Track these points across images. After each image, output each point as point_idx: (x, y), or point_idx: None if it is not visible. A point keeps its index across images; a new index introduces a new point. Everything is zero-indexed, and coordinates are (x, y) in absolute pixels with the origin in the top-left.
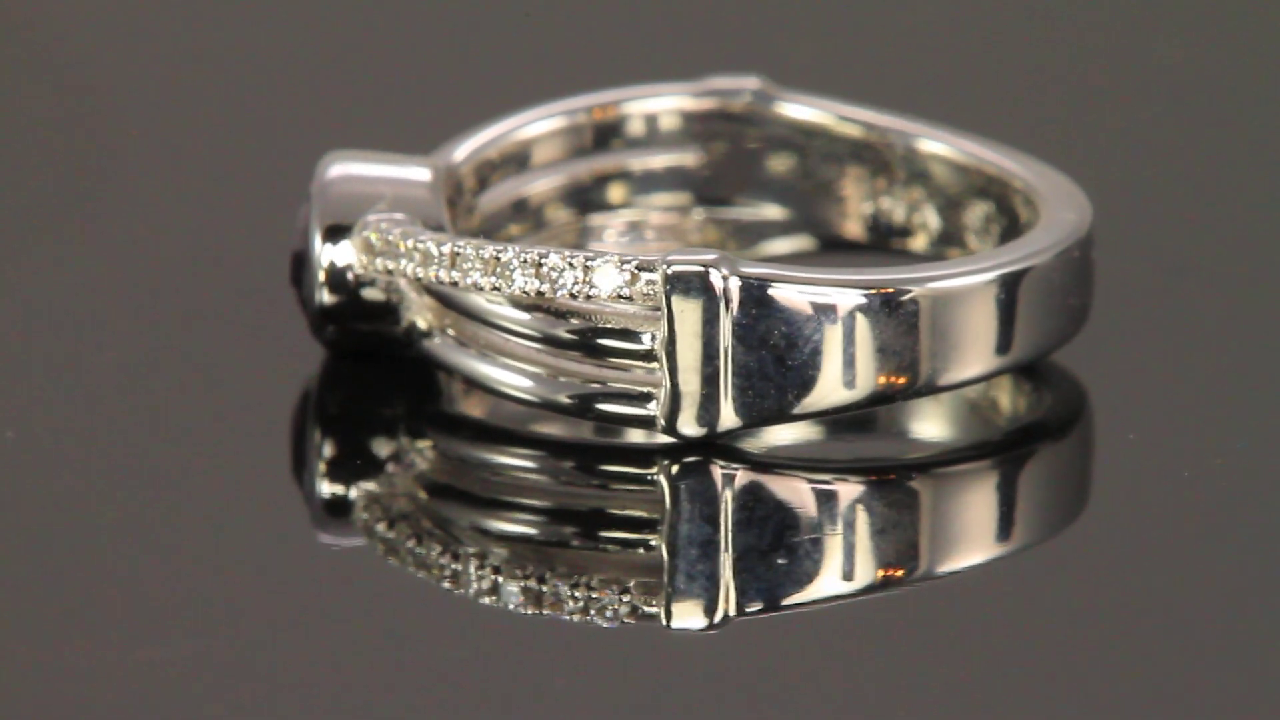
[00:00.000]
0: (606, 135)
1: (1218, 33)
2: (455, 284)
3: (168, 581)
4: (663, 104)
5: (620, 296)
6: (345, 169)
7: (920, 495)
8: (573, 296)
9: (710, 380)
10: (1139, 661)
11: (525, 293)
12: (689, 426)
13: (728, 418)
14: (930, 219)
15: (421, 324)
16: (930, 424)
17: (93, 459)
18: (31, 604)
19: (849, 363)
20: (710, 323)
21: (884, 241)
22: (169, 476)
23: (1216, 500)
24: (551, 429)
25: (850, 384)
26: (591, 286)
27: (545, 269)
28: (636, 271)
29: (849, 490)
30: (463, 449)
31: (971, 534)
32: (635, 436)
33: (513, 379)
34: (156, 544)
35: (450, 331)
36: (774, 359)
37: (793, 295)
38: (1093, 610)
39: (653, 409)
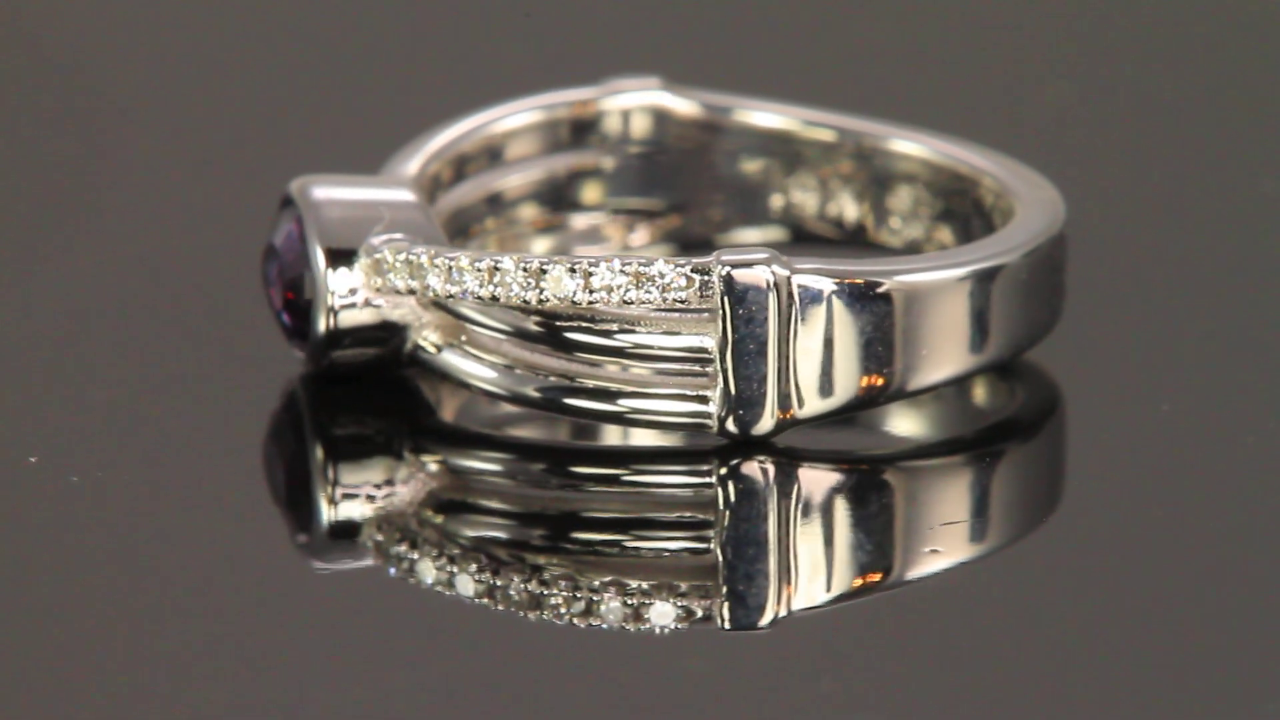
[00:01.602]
0: (559, 136)
1: (1194, 31)
2: (495, 299)
3: (179, 621)
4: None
5: (676, 300)
6: (328, 193)
7: (900, 489)
8: (626, 304)
9: (766, 379)
10: (1116, 659)
11: (575, 303)
12: (746, 426)
13: (785, 415)
14: (847, 208)
15: (423, 341)
16: (908, 421)
17: (80, 498)
18: (25, 638)
19: (898, 351)
20: (767, 321)
21: (845, 236)
22: (167, 508)
23: (1192, 498)
24: (563, 435)
25: (930, 367)
26: (648, 293)
27: (595, 278)
28: (691, 274)
29: (887, 481)
30: (470, 461)
31: (952, 530)
32: (602, 437)
33: (537, 390)
34: (158, 578)
35: (467, 346)
36: (829, 353)
37: (848, 288)
38: (1068, 608)
39: (712, 411)
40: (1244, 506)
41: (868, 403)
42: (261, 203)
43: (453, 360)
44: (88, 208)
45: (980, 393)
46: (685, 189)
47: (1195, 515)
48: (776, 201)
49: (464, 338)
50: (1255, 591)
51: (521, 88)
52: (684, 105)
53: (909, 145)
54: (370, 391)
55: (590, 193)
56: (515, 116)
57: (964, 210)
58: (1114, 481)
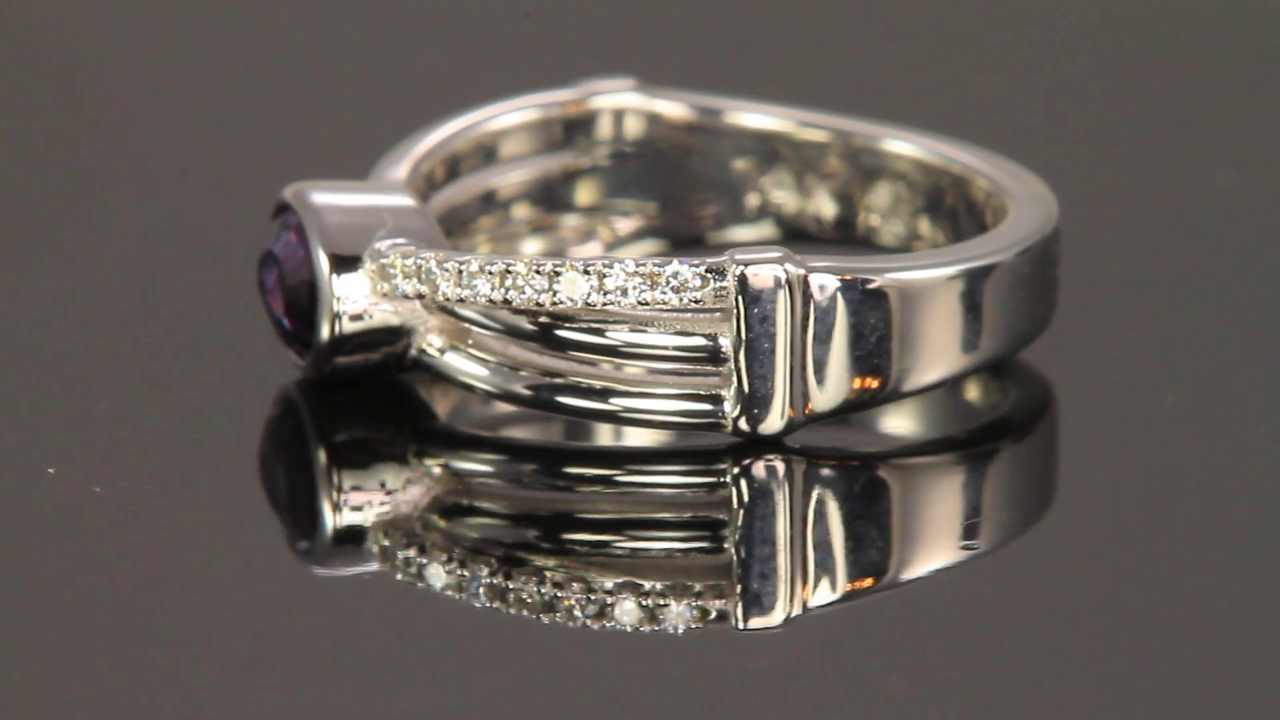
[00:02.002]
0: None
1: (1185, 33)
2: (508, 302)
3: (188, 632)
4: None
5: (691, 301)
6: (327, 199)
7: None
8: (641, 305)
9: (780, 378)
10: (1111, 658)
11: (589, 304)
12: (760, 425)
13: (798, 413)
14: (824, 206)
15: (426, 345)
16: (903, 420)
17: (76, 509)
18: (32, 657)
19: (907, 348)
20: (781, 319)
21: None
22: (169, 520)
23: (1185, 495)
24: (570, 436)
25: (934, 364)
26: (664, 295)
27: (609, 279)
28: (706, 275)
29: (896, 476)
30: (475, 464)
31: (937, 531)
32: (611, 437)
33: (543, 391)
34: (167, 591)
35: (473, 349)
36: (844, 350)
37: (862, 285)
38: (1061, 608)
39: (726, 410)
40: (1238, 504)
41: (880, 399)
42: (241, 207)
43: (457, 363)
44: (69, 219)
45: (973, 391)
46: (672, 189)
47: (1189, 513)
48: (768, 201)
49: (470, 341)
50: (1247, 588)
51: (502, 89)
52: (674, 107)
53: (901, 145)
54: (368, 396)
55: (574, 194)
56: (504, 117)
57: (955, 208)
58: (1107, 480)
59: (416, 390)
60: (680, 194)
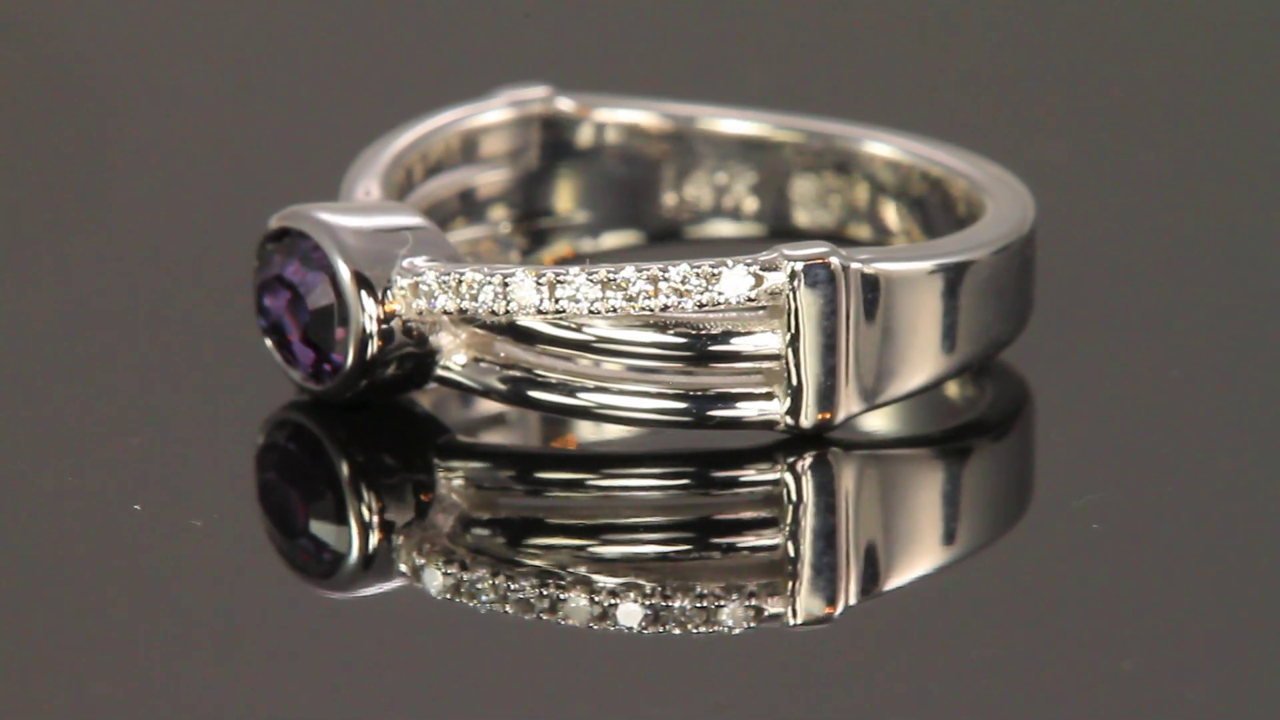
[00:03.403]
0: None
1: (1168, 33)
2: (561, 311)
3: (221, 659)
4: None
5: (748, 299)
6: (338, 220)
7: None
8: (700, 307)
9: (834, 370)
10: (1092, 658)
11: (647, 309)
12: (814, 419)
13: (850, 405)
14: (746, 201)
15: (449, 362)
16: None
17: (88, 525)
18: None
19: (947, 334)
20: (834, 313)
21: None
22: (194, 552)
23: (1161, 496)
24: (607, 439)
25: (950, 353)
26: (720, 294)
27: (665, 282)
28: (761, 272)
29: (934, 464)
30: (502, 474)
31: (923, 532)
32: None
33: (577, 398)
34: (200, 622)
35: (504, 360)
36: (887, 341)
37: (903, 275)
38: (1048, 608)
39: (774, 408)
40: (1217, 501)
41: (927, 386)
42: (192, 226)
43: (480, 376)
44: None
45: (952, 390)
46: (641, 188)
47: (1167, 512)
48: (744, 202)
49: (502, 354)
50: (1227, 585)
51: (435, 100)
52: (646, 115)
53: (880, 146)
54: (376, 414)
55: (487, 206)
56: (478, 118)
57: (926, 202)
58: (1084, 480)
59: (431, 405)
60: (650, 193)
